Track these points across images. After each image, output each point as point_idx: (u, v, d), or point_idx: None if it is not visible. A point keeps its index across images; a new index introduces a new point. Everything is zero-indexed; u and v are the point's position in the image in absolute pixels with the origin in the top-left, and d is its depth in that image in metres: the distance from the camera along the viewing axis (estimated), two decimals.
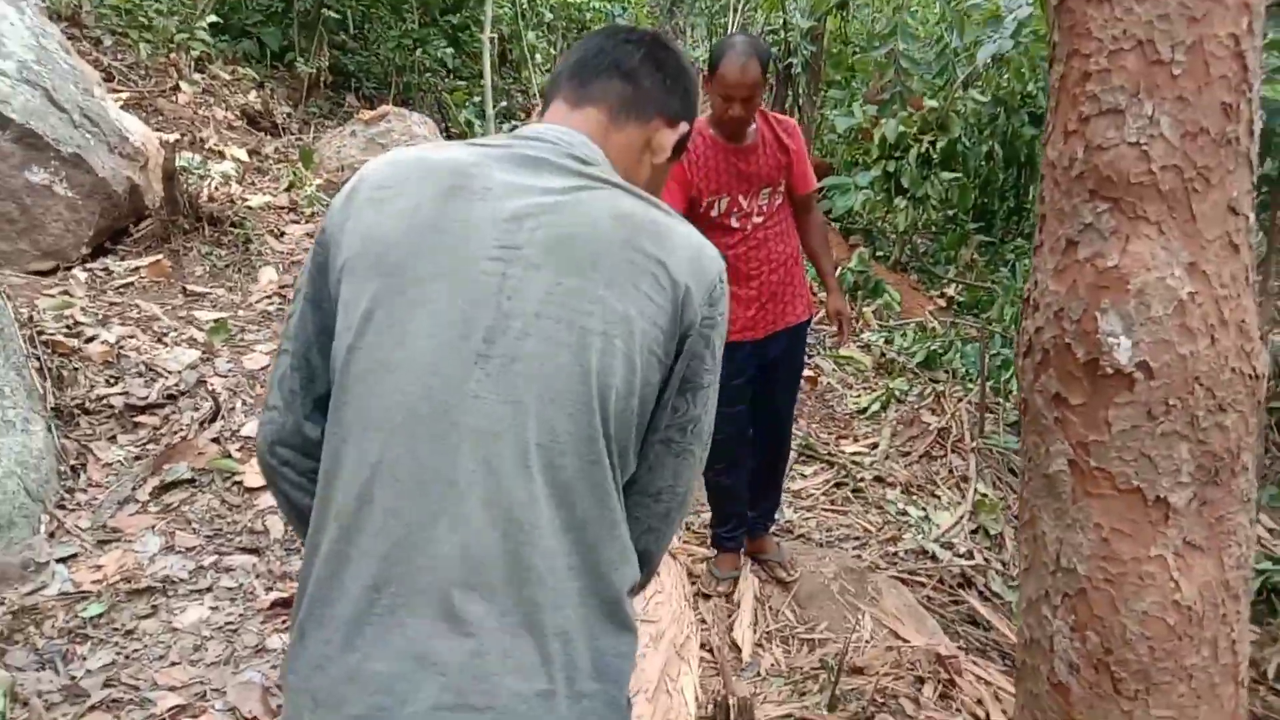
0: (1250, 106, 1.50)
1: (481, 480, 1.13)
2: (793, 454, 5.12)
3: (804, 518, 4.63)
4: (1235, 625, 1.55)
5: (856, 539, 4.49)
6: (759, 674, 3.10)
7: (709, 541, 3.73)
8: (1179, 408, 1.48)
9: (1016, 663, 1.76)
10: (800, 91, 8.90)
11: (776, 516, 3.91)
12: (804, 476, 5.06)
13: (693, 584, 3.48)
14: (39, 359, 3.53)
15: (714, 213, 3.25)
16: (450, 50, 8.03)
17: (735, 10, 12.20)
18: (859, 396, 6.16)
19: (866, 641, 3.37)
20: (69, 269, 4.53)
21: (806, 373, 6.18)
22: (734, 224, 3.27)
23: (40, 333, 3.70)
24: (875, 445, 5.51)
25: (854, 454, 5.38)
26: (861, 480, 5.05)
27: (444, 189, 1.21)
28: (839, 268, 7.61)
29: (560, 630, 1.14)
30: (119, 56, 6.54)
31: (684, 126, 1.44)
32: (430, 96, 7.84)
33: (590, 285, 1.17)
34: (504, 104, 8.60)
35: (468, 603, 1.11)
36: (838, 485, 5.00)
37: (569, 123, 1.34)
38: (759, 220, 3.27)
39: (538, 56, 9.41)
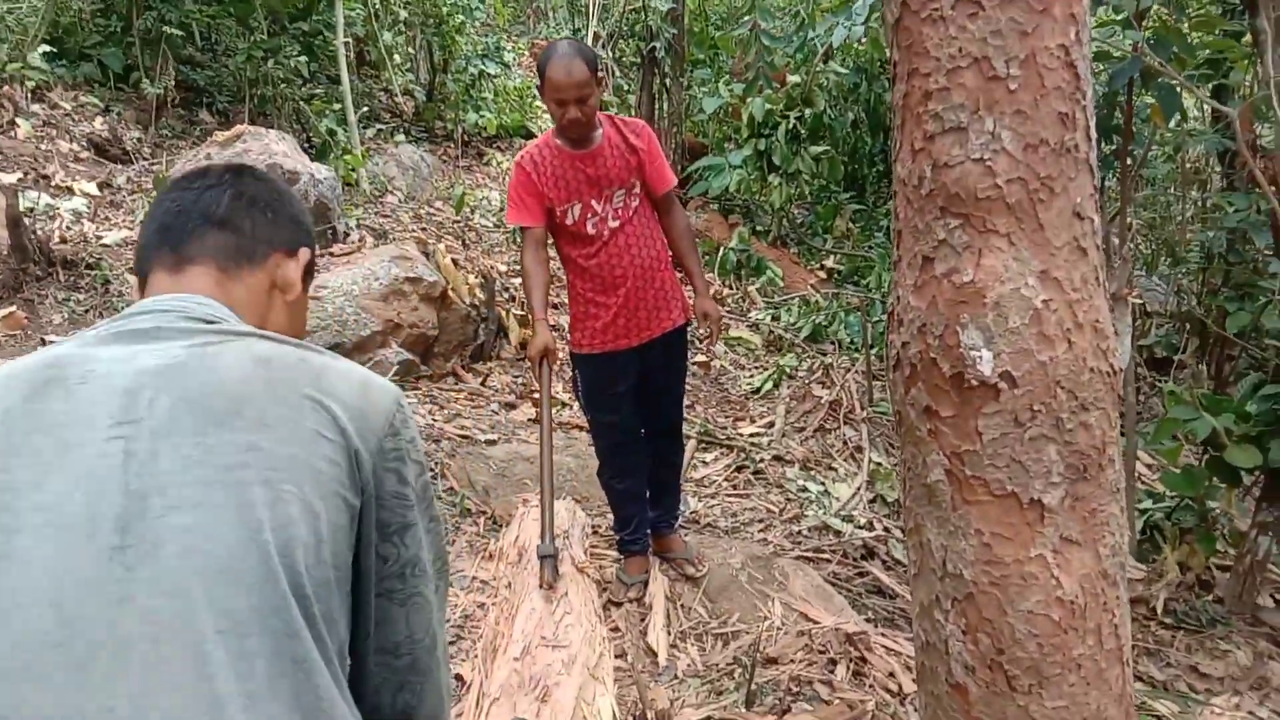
0: (1085, 113, 1.56)
1: (151, 702, 0.91)
2: (691, 442, 5.18)
3: (709, 505, 4.69)
4: (1116, 611, 1.61)
5: (761, 521, 4.57)
6: (676, 676, 3.12)
7: (615, 547, 3.74)
8: (1044, 412, 1.53)
9: (915, 665, 1.81)
10: (665, 73, 8.91)
11: (681, 509, 3.93)
12: (705, 464, 5.11)
13: (602, 594, 3.48)
14: None
15: (569, 220, 3.26)
16: (304, 58, 7.78)
17: None
18: (752, 377, 6.25)
19: (778, 629, 3.42)
20: None
21: (699, 358, 6.25)
22: (590, 230, 3.26)
23: None
24: (771, 424, 5.60)
25: (752, 435, 5.46)
26: (761, 461, 5.13)
27: (35, 387, 1.02)
28: (722, 248, 7.70)
29: None
30: None
31: (305, 252, 1.31)
32: (288, 107, 7.60)
33: (238, 435, 1.00)
34: (366, 108, 8.39)
35: None
36: (738, 469, 5.07)
37: (179, 289, 1.17)
38: (615, 225, 3.26)
39: (396, 56, 9.21)
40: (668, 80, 9.02)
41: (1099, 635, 1.59)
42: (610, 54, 12.51)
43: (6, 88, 6.27)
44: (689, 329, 3.70)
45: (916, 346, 1.62)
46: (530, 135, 10.24)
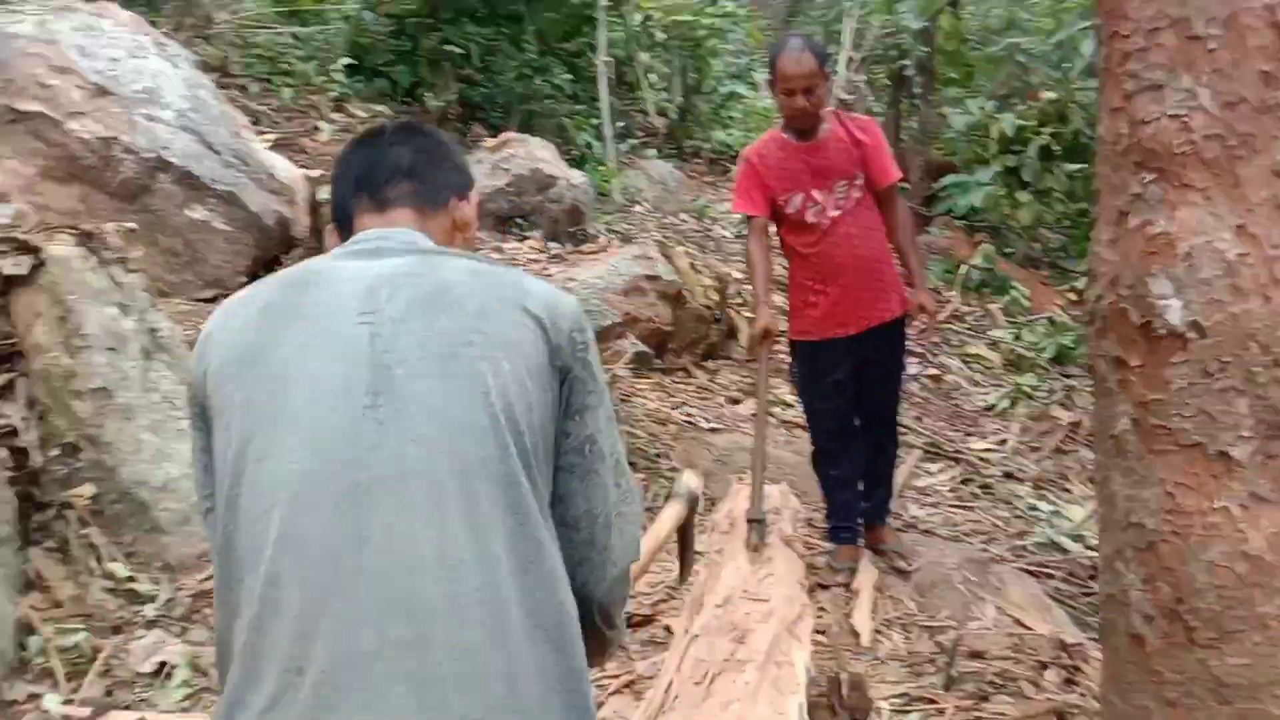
0: None
1: (397, 530, 1.10)
2: (916, 452, 5.17)
3: (929, 514, 4.65)
4: None
5: (983, 534, 4.49)
6: (877, 658, 3.18)
7: (826, 536, 3.83)
8: (1234, 364, 1.55)
9: (1100, 621, 1.83)
10: (915, 91, 8.87)
11: (892, 507, 3.96)
12: (929, 474, 5.08)
13: (810, 576, 3.57)
14: None
15: (790, 209, 3.40)
16: (569, 76, 8.35)
17: (850, 17, 12.21)
18: (987, 393, 6.13)
19: (989, 630, 3.40)
20: (228, 296, 4.97)
21: (930, 371, 6.20)
22: (810, 219, 3.38)
23: None
24: (1004, 441, 5.47)
25: (982, 451, 5.36)
26: (990, 477, 5.03)
27: (294, 286, 1.26)
28: (963, 265, 7.58)
29: (507, 672, 1.10)
30: (264, 101, 7.07)
31: (473, 195, 1.50)
32: (552, 122, 8.16)
33: (462, 322, 1.20)
34: (622, 124, 8.86)
35: (399, 663, 1.07)
36: (964, 481, 5.00)
37: (388, 226, 1.36)
38: (836, 214, 3.37)
39: (652, 76, 9.65)
40: (916, 98, 8.97)
41: None
42: (864, 76, 12.52)
43: (313, 97, 7.13)
44: (906, 322, 3.71)
45: (1108, 298, 1.67)
46: None
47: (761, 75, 11.32)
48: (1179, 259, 1.56)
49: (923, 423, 5.60)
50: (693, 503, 2.09)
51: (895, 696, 2.89)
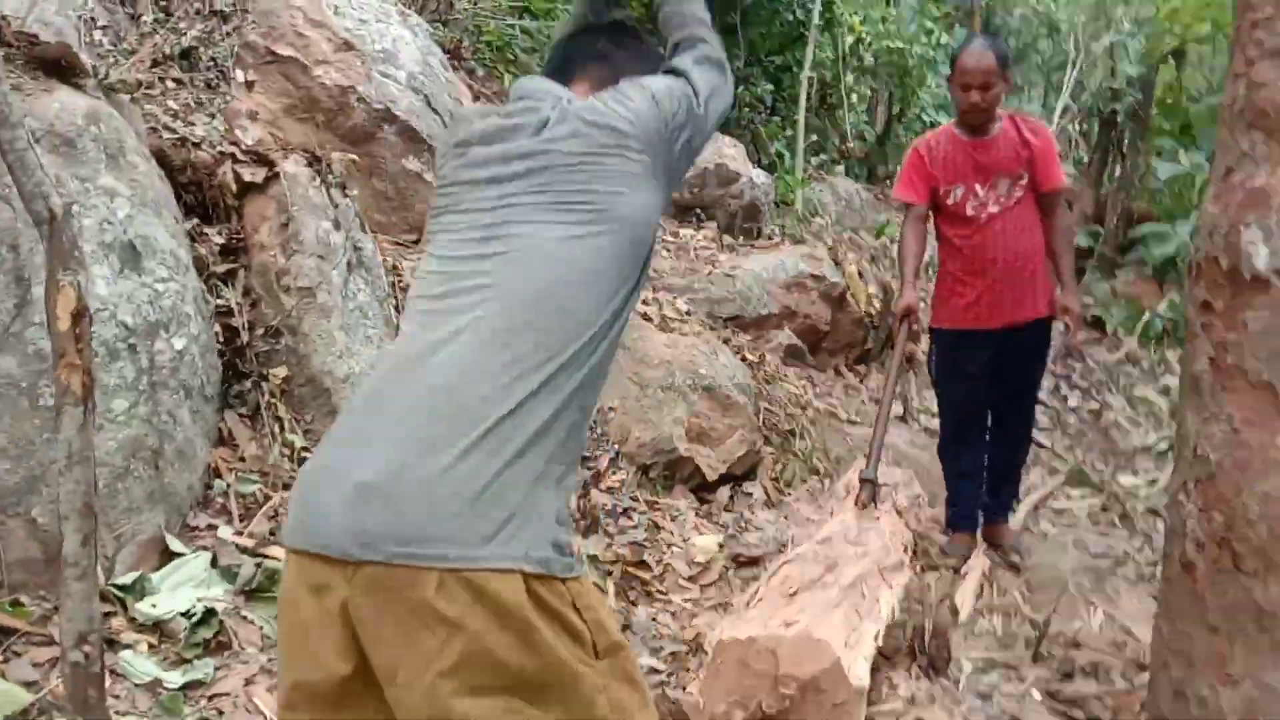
0: None
1: (479, 307, 1.44)
2: (1061, 477, 5.12)
3: (1061, 533, 4.62)
4: None
5: (1113, 557, 4.42)
6: (972, 632, 3.25)
7: (944, 522, 3.90)
8: None
9: (1162, 554, 1.91)
10: (1123, 138, 8.67)
11: (1018, 511, 3.99)
12: (1070, 498, 5.02)
13: (923, 558, 3.66)
14: (396, 299, 4.35)
15: (950, 200, 3.51)
16: (770, 88, 8.59)
17: (1073, 65, 11.97)
18: (1147, 435, 5.96)
19: (1095, 631, 3.40)
20: (427, 242, 5.46)
21: (1091, 405, 6.09)
22: (969, 212, 3.48)
23: (400, 280, 4.55)
24: (1154, 481, 5.33)
25: (1129, 486, 5.25)
26: (1132, 509, 4.93)
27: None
28: (1147, 312, 7.37)
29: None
30: (488, 85, 7.64)
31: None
32: (747, 130, 8.42)
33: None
34: (814, 138, 9.02)
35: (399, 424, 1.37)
36: (1104, 509, 4.92)
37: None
38: (995, 210, 3.46)
39: (853, 97, 9.78)
40: (1125, 146, 8.75)
41: None
42: (1076, 128, 12.22)
43: None
44: (1050, 325, 3.73)
45: (1204, 248, 1.77)
46: None
47: None
48: (1273, 210, 1.65)
49: (1073, 452, 5.53)
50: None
51: (980, 658, 2.96)
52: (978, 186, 3.48)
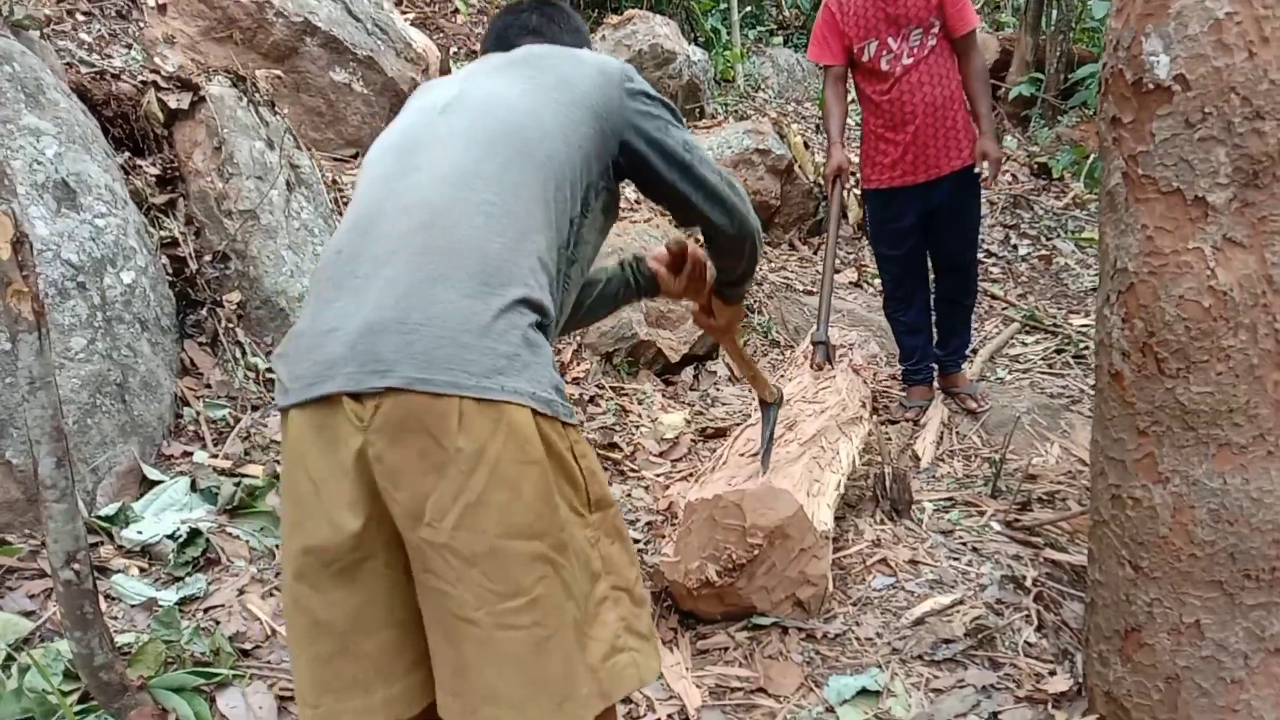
0: None
1: (438, 164, 1.46)
2: (1014, 325, 5.24)
3: (1017, 379, 4.76)
4: (1278, 316, 1.73)
5: (1069, 397, 4.58)
6: (934, 476, 3.38)
7: (900, 378, 4.01)
8: (1215, 115, 1.68)
9: (1094, 369, 2.01)
10: None
11: (972, 358, 4.08)
12: (1024, 345, 5.16)
13: (883, 414, 3.78)
14: (340, 214, 4.34)
15: (865, 58, 3.50)
16: None
17: None
18: (1096, 276, 6.08)
19: (1051, 464, 3.54)
20: (365, 154, 5.40)
21: (1040, 251, 6.19)
22: (884, 66, 3.48)
23: (342, 195, 4.53)
24: None
25: (1081, 326, 5.38)
26: (1085, 349, 5.07)
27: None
28: (1092, 155, 7.42)
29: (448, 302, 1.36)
30: None
31: (585, 52, 1.87)
32: (680, 8, 8.29)
33: (545, 74, 1.60)
34: (749, 9, 8.89)
35: (401, 246, 1.40)
36: (1058, 351, 5.06)
37: None
38: (909, 62, 3.45)
39: None
40: None
41: (1254, 333, 1.72)
42: None
43: None
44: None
45: (1110, 63, 1.81)
46: None
47: None
48: (1170, 17, 1.69)
49: (1026, 300, 5.65)
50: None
51: (941, 499, 3.09)
52: (890, 39, 3.47)
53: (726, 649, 2.39)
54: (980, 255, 6.17)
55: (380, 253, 1.36)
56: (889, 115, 3.54)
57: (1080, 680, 2.15)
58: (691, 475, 3.18)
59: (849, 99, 3.74)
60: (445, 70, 5.75)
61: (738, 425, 3.69)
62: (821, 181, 6.07)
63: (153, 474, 3.00)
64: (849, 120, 3.88)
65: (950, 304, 3.86)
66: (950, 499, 3.11)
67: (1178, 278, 1.73)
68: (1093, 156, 7.40)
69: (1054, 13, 8.61)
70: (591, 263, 1.69)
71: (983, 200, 6.28)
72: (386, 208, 1.41)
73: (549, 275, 1.42)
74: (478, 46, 7.00)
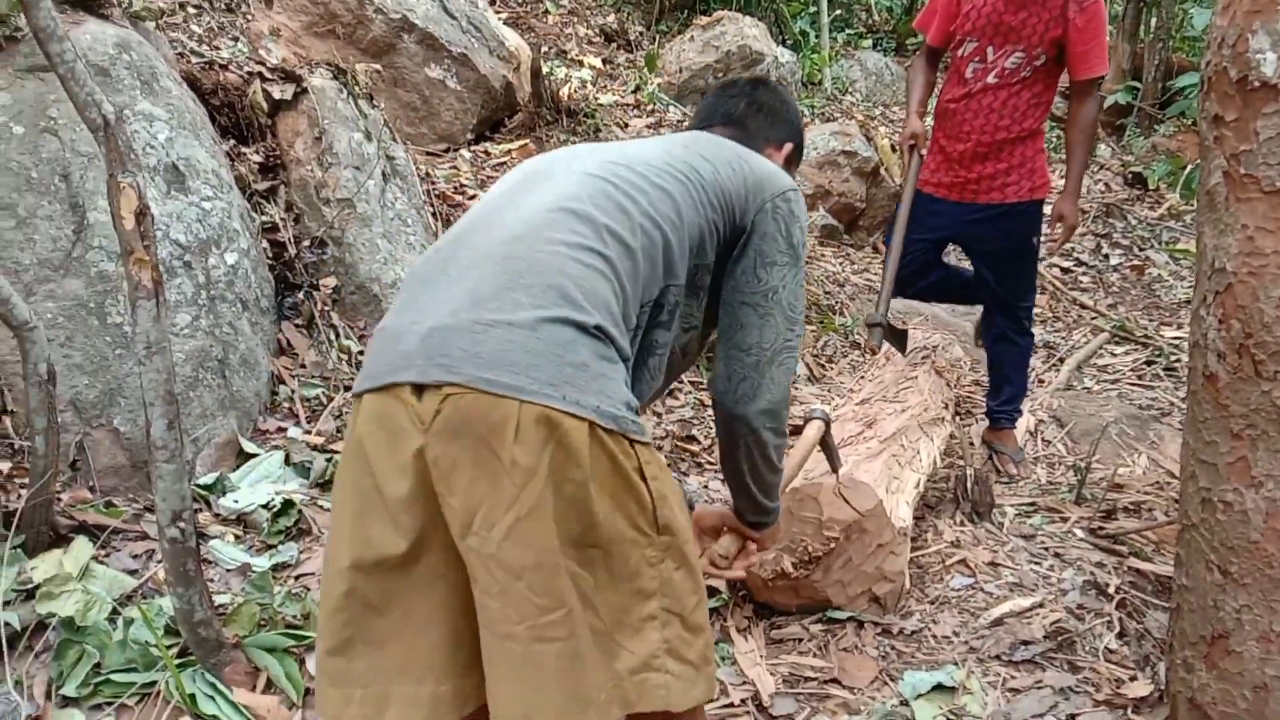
0: None
1: (529, 205, 1.51)
2: (1104, 335, 5.13)
3: (1105, 389, 4.67)
4: None
5: (1159, 409, 4.48)
6: (1016, 481, 3.34)
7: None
8: None
9: (1187, 369, 1.98)
10: None
11: (1021, 409, 3.65)
12: (1113, 355, 5.05)
13: (965, 419, 3.73)
14: (433, 205, 4.44)
15: (960, 51, 3.23)
16: None
17: None
18: (1191, 288, 5.92)
19: (1138, 477, 3.48)
20: (457, 150, 5.51)
21: (1133, 261, 6.05)
22: (968, 73, 3.21)
23: (434, 188, 4.64)
24: None
25: (1173, 338, 5.25)
26: (1177, 362, 4.95)
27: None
28: (1189, 166, 7.23)
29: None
30: None
31: (789, 146, 1.90)
32: (770, 10, 8.29)
33: (689, 157, 1.63)
34: (839, 13, 8.84)
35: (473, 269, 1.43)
36: (1148, 363, 4.95)
37: None
38: (991, 81, 3.17)
39: None
40: None
41: None
42: None
43: None
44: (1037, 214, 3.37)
45: (1213, 61, 1.79)
46: None
47: None
48: (1279, 15, 1.67)
49: (1116, 310, 5.53)
50: (827, 420, 2.31)
51: (1023, 504, 3.06)
52: (990, 48, 3.17)
53: (800, 640, 2.40)
54: (1070, 264, 6.08)
55: (470, 258, 1.41)
56: (950, 123, 3.29)
57: (1162, 687, 2.12)
58: None
59: (937, 74, 3.53)
60: (536, 67, 5.84)
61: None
62: None
63: (249, 447, 3.12)
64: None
65: (1000, 342, 3.50)
66: (1033, 504, 3.07)
67: (1278, 278, 1.70)
68: (1190, 167, 7.20)
69: (1153, 20, 8.40)
70: (664, 374, 1.66)
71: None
72: (490, 221, 1.47)
73: (625, 328, 1.43)
74: (567, 46, 7.12)
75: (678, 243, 1.51)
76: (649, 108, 6.22)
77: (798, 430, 2.29)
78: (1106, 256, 6.14)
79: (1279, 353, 1.71)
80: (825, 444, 2.38)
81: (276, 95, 4.13)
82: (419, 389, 1.30)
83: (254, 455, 3.09)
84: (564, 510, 1.29)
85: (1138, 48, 8.50)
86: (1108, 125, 8.33)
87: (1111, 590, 2.51)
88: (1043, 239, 3.42)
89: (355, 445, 1.38)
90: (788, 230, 1.63)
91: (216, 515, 2.80)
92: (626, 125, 5.99)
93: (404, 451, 1.31)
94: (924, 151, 3.35)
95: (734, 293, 1.63)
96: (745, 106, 1.85)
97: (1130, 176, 7.29)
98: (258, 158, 4.02)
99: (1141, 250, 6.21)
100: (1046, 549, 2.80)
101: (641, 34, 7.98)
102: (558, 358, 1.30)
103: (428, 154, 5.52)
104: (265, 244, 3.80)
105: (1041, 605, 2.45)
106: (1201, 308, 1.85)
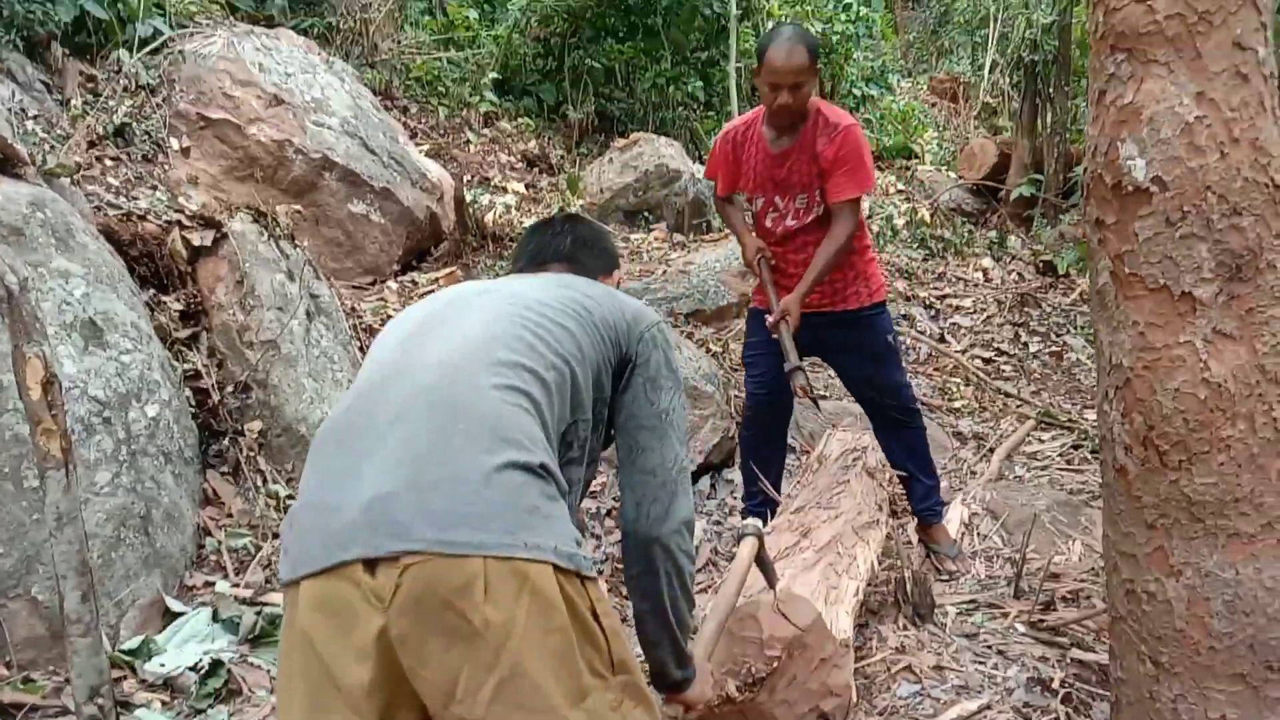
0: None
1: (457, 334, 1.56)
2: (1030, 422, 5.24)
3: (1036, 476, 4.74)
4: (1275, 404, 1.76)
5: (1089, 492, 4.55)
6: (956, 578, 3.35)
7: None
8: (1194, 213, 1.74)
9: (1100, 463, 2.02)
10: (1049, 83, 8.85)
11: (944, 499, 3.65)
12: (1040, 441, 5.15)
13: (901, 517, 3.76)
14: (360, 340, 4.44)
15: (754, 206, 3.36)
16: (701, 84, 8.74)
17: (994, 20, 12.22)
18: None
19: (1075, 562, 3.51)
20: (383, 281, 5.54)
21: (1051, 348, 6.23)
22: (768, 223, 3.32)
23: (361, 321, 4.64)
24: None
25: (1095, 421, 5.37)
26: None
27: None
28: None
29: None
30: (422, 120, 7.74)
31: (616, 274, 1.99)
32: (685, 128, 8.57)
33: (573, 294, 1.70)
34: None
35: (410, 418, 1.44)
36: (1075, 447, 5.05)
37: None
38: (793, 224, 3.27)
39: None
40: (1053, 92, 8.93)
41: (1251, 422, 1.74)
42: (1008, 79, 12.46)
43: (465, 113, 7.75)
44: (867, 314, 3.40)
45: (1091, 168, 1.89)
46: (912, 155, 10.52)
47: (894, 78, 11.44)
48: (1143, 123, 1.77)
49: (1040, 396, 5.67)
50: (760, 536, 2.35)
51: (964, 602, 3.07)
52: (776, 198, 3.29)
53: None
54: (991, 354, 6.24)
55: (391, 413, 1.37)
56: (776, 267, 3.36)
57: None
58: (711, 589, 3.17)
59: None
60: (459, 197, 5.94)
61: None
62: None
63: (175, 605, 3.02)
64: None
65: (897, 438, 3.48)
66: (973, 601, 3.08)
67: (1172, 371, 1.77)
68: None
69: (1049, 115, 8.84)
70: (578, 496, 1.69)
71: (989, 301, 6.37)
72: (398, 371, 1.45)
73: (557, 460, 1.45)
74: (490, 174, 7.27)
75: (583, 378, 1.55)
76: None
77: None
78: (1026, 344, 6.31)
79: (1181, 443, 1.77)
80: (761, 560, 2.37)
81: (196, 242, 4.14)
82: (371, 564, 1.26)
83: (181, 613, 2.99)
84: (549, 662, 1.27)
85: (1037, 142, 8.91)
86: (1015, 217, 8.66)
87: (1056, 685, 2.51)
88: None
89: (299, 636, 1.32)
90: (666, 356, 1.70)
91: (142, 681, 2.69)
92: None
93: (363, 636, 1.26)
94: (770, 258, 3.33)
95: (629, 420, 1.66)
96: (572, 243, 1.92)
97: (1041, 265, 7.55)
98: (178, 305, 3.99)
99: (1059, 336, 6.40)
100: (990, 647, 2.79)
101: (563, 157, 8.18)
102: (512, 505, 1.30)
103: (354, 288, 5.54)
104: (188, 392, 3.75)
105: (989, 707, 2.44)
106: (1105, 403, 1.91)
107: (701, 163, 7.89)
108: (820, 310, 3.34)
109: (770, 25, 9.36)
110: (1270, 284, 1.75)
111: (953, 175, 9.68)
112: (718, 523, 4.03)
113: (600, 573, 3.41)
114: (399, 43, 8.55)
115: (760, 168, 3.26)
